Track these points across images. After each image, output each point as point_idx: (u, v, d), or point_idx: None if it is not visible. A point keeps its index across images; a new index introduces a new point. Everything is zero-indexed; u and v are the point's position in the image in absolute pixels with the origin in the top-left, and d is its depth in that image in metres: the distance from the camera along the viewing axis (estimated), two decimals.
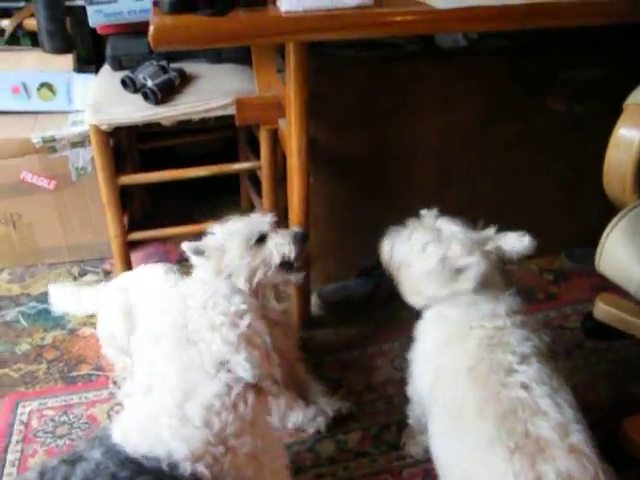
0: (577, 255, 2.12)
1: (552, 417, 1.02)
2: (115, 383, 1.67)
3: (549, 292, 2.02)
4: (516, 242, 1.25)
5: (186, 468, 0.95)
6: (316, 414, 1.54)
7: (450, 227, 1.29)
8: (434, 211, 1.33)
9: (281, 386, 1.14)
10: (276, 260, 1.47)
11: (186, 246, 1.45)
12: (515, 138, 1.93)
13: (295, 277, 1.52)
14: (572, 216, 2.08)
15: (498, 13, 1.39)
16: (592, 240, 1.36)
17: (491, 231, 1.30)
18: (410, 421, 1.43)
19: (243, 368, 1.00)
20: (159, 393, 1.02)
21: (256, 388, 1.05)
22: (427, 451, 1.43)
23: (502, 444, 1.01)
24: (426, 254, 1.26)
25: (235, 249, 1.44)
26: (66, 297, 1.74)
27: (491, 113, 1.88)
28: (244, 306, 1.07)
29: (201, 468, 0.96)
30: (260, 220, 1.51)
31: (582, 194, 2.03)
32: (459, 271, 1.24)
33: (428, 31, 1.63)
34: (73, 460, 0.96)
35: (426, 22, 1.38)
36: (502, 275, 1.30)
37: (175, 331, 1.04)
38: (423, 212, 1.35)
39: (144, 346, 1.09)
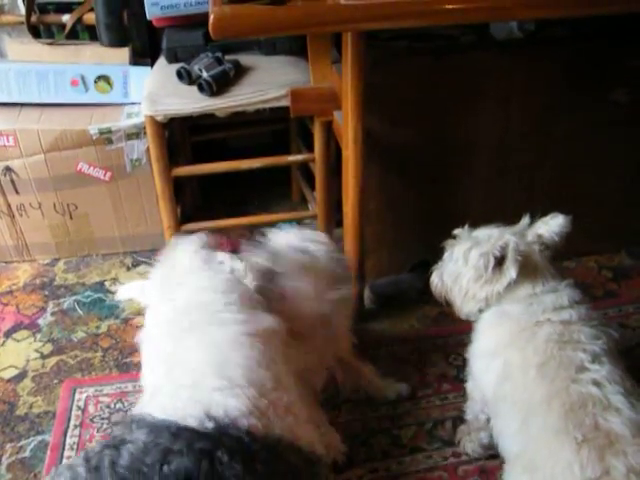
0: (639, 252, 2.05)
1: (625, 414, 0.99)
2: None
3: (608, 289, 1.96)
4: (550, 223, 1.25)
5: (244, 423, 0.95)
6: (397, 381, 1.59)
7: (485, 232, 1.29)
8: (466, 227, 1.34)
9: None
10: None
11: None
12: (575, 131, 1.87)
13: None
14: (634, 212, 2.01)
15: None
16: None
17: (525, 221, 1.29)
18: (468, 417, 1.41)
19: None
20: (191, 365, 1.07)
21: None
22: (483, 448, 1.41)
23: (569, 435, 0.99)
24: (470, 260, 1.26)
25: None
26: (132, 290, 1.76)
27: (550, 105, 1.82)
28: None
29: (254, 422, 0.97)
30: None
31: None
32: (502, 263, 1.22)
33: (491, 19, 1.59)
34: (116, 444, 0.96)
35: (488, 10, 1.35)
36: (553, 265, 1.28)
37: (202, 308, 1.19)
38: (456, 231, 1.35)
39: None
